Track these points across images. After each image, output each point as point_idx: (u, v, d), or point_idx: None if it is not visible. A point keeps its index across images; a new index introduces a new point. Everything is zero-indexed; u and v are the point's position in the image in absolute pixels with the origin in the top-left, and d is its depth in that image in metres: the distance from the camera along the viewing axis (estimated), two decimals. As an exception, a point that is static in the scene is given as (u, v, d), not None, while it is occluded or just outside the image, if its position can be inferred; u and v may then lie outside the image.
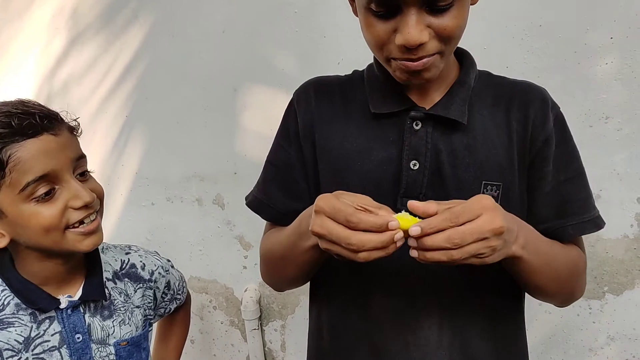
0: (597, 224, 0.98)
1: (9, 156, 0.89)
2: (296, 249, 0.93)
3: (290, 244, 0.95)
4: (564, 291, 0.99)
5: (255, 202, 1.08)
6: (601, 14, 1.58)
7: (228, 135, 2.06)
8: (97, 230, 1.00)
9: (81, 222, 0.97)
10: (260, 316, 2.20)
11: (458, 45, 0.99)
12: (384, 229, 0.74)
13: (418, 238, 0.74)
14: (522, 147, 0.95)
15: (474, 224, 0.73)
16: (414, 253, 0.76)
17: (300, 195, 1.04)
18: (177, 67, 2.06)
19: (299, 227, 0.92)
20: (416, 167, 0.93)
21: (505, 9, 1.67)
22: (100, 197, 1.02)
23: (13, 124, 0.90)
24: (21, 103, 0.96)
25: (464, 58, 1.01)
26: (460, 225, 0.73)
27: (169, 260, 1.30)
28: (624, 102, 1.62)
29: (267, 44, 1.92)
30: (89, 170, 1.02)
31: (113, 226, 2.33)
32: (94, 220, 0.99)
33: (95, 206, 0.99)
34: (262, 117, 1.99)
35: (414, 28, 0.80)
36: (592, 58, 1.61)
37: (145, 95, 2.14)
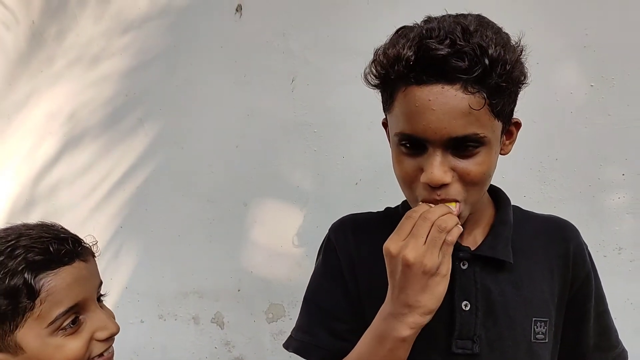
0: (626, 354, 1.06)
1: (42, 285, 0.82)
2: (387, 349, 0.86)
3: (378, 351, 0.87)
4: None
5: (303, 346, 1.02)
6: (613, 151, 1.68)
7: (234, 250, 1.97)
8: None
9: (101, 354, 0.90)
10: None
11: None
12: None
13: None
14: (563, 283, 0.99)
15: None
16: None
17: (346, 335, 0.99)
18: (183, 179, 1.98)
19: (385, 328, 0.86)
20: (467, 308, 0.93)
21: (523, 142, 1.71)
22: None
23: (51, 250, 0.84)
24: (46, 227, 0.90)
25: (498, 195, 1.04)
26: None
27: None
28: (636, 235, 1.70)
29: (282, 160, 1.90)
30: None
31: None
32: (111, 351, 0.93)
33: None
34: (273, 233, 1.93)
35: (438, 168, 0.82)
36: (605, 192, 1.70)
37: (144, 206, 2.03)
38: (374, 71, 0.87)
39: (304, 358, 1.02)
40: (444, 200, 0.85)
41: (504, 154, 0.95)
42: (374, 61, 0.87)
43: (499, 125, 0.87)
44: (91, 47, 2.02)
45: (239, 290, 1.98)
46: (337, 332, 0.99)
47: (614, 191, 1.70)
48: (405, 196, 0.94)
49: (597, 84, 1.71)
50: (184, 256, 2.01)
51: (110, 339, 0.90)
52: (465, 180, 0.85)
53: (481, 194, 0.91)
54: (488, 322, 0.94)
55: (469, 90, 0.80)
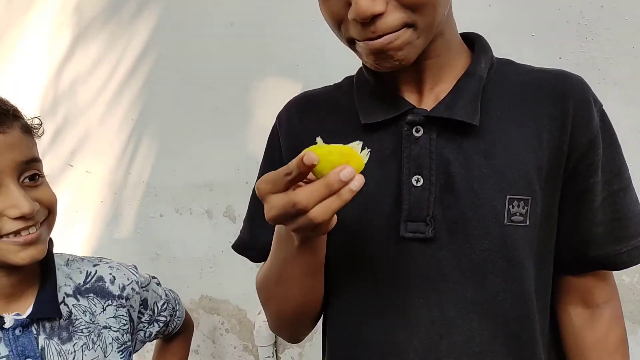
0: None
1: None
2: (288, 263, 0.78)
3: (280, 261, 0.79)
4: None
5: (241, 244, 0.93)
6: (681, -12, 1.27)
7: (239, 140, 1.85)
8: (37, 243, 0.86)
9: (17, 232, 0.84)
10: (275, 342, 1.98)
11: (467, 31, 0.84)
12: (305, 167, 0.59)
13: None
14: (558, 151, 0.76)
15: None
16: None
17: None
18: (183, 65, 1.88)
19: (279, 238, 0.78)
20: (420, 184, 0.76)
21: (557, -14, 1.38)
22: (49, 207, 0.90)
23: None
24: None
25: (475, 44, 0.82)
26: None
27: (154, 277, 1.14)
28: None
29: (279, 37, 1.71)
30: (42, 174, 0.89)
31: (123, 239, 2.16)
32: (33, 232, 0.85)
33: (37, 217, 0.86)
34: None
35: None
36: (669, 44, 1.31)
37: (152, 96, 1.97)
38: None
39: (242, 256, 0.95)
40: (380, 37, 0.68)
41: None
42: None
43: None
44: None
45: (247, 183, 1.88)
46: None
47: (681, 42, 1.30)
48: (341, 40, 0.77)
49: None
50: (191, 148, 1.94)
51: (27, 219, 0.84)
52: (405, 3, 0.66)
53: (437, 15, 0.70)
54: (447, 200, 0.76)
55: None
